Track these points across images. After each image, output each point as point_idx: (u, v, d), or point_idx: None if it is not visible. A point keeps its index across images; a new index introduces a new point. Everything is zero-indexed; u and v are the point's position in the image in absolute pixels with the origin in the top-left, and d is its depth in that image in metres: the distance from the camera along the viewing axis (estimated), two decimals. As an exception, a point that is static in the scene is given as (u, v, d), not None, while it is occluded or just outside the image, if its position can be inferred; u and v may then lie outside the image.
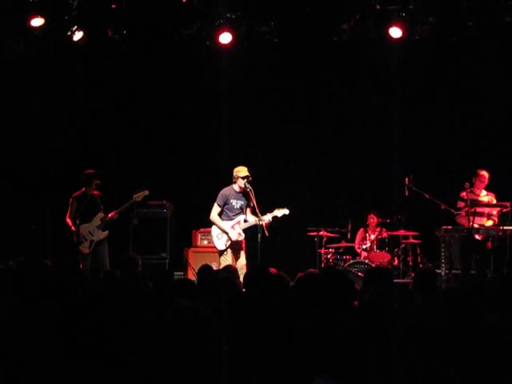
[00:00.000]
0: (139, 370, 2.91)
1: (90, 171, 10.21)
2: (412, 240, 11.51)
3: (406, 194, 10.79)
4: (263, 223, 9.58)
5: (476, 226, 10.05)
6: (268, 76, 12.72)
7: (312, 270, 6.74)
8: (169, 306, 2.93)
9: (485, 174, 10.38)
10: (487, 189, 10.44)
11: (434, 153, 12.21)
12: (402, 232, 11.53)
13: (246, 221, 9.98)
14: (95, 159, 11.80)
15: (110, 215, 10.18)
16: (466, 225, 9.99)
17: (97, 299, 3.82)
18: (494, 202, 10.32)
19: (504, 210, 9.99)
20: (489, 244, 10.15)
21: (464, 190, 10.13)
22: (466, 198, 10.12)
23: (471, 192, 10.25)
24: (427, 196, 10.66)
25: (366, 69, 12.46)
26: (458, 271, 10.32)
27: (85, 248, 10.07)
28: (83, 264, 9.97)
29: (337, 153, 12.68)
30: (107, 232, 10.22)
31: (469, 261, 10.17)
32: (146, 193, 10.39)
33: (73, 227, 10.03)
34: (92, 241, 10.12)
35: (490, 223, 10.24)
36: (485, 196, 10.35)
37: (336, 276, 5.04)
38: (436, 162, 12.16)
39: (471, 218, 9.89)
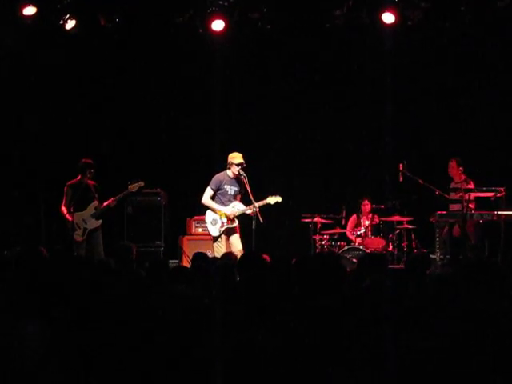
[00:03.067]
0: (134, 357, 2.92)
1: (86, 160, 10.20)
2: (406, 226, 11.52)
3: (400, 179, 10.81)
4: (257, 210, 9.60)
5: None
6: (260, 63, 12.71)
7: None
8: (164, 293, 2.93)
9: (451, 163, 10.56)
10: (468, 176, 10.54)
11: (428, 138, 12.21)
12: (396, 218, 11.54)
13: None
14: (89, 148, 11.76)
15: (104, 204, 10.18)
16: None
17: (91, 287, 3.83)
18: (470, 186, 10.40)
19: (498, 195, 10.01)
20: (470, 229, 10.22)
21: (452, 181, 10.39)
22: (452, 187, 10.37)
23: (452, 182, 10.51)
24: (421, 182, 10.68)
25: (359, 55, 12.44)
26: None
27: (78, 236, 10.07)
28: (77, 252, 9.97)
29: (330, 139, 12.68)
30: (101, 221, 10.21)
31: (457, 246, 10.23)
32: (141, 184, 10.36)
33: (68, 215, 10.04)
34: (85, 229, 10.12)
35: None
36: (463, 182, 10.44)
37: (327, 260, 5.04)
38: (429, 147, 12.16)
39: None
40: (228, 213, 9.90)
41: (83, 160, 10.21)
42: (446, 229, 10.46)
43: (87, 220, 10.14)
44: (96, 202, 10.18)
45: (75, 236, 10.05)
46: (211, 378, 2.73)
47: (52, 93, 12.30)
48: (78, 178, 10.20)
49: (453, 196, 10.44)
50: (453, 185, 10.63)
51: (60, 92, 12.40)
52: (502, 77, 11.81)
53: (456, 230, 10.32)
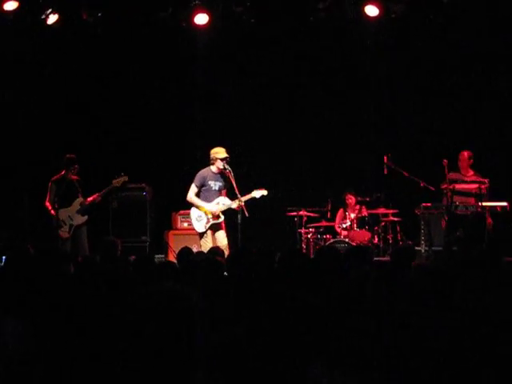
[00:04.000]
0: (120, 354, 2.91)
1: (70, 155, 10.18)
2: (392, 218, 11.54)
3: (385, 172, 10.82)
4: (242, 204, 9.59)
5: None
6: (244, 56, 12.68)
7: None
8: (151, 289, 2.91)
9: (464, 153, 10.46)
10: (476, 170, 10.48)
11: (412, 130, 12.23)
12: (381, 210, 11.56)
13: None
14: (72, 143, 11.72)
15: (88, 200, 10.15)
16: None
17: (75, 284, 3.82)
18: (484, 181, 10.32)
19: (482, 187, 10.04)
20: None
21: (452, 171, 10.24)
22: (454, 178, 10.23)
23: (458, 173, 10.41)
24: (406, 174, 10.70)
25: (343, 48, 12.45)
26: (438, 248, 10.37)
27: (64, 232, 10.05)
28: (62, 248, 9.92)
29: (315, 132, 12.67)
30: (87, 217, 10.20)
31: (451, 237, 10.23)
32: (126, 178, 10.38)
33: (52, 211, 10.01)
34: (71, 225, 10.10)
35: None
36: (472, 176, 10.38)
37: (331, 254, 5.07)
38: (414, 139, 12.18)
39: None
40: (213, 210, 9.88)
41: (67, 155, 10.19)
42: (443, 220, 10.38)
43: (73, 216, 10.12)
44: (81, 198, 10.16)
45: (61, 232, 10.03)
46: (198, 374, 2.72)
47: (35, 88, 12.24)
48: (62, 173, 10.17)
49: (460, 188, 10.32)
50: (459, 176, 10.39)
51: (43, 87, 12.34)
52: (487, 67, 11.82)
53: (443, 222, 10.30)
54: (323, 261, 5.32)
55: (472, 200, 10.21)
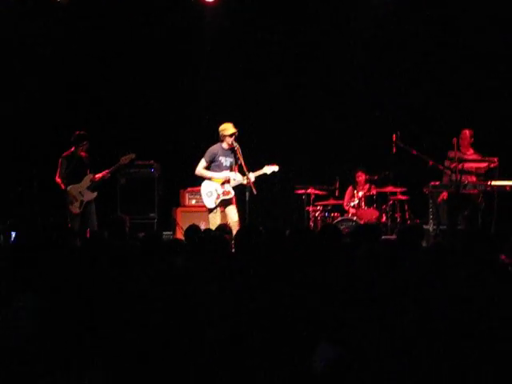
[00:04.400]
0: (129, 330, 2.91)
1: (81, 132, 10.23)
2: (400, 196, 11.53)
3: (394, 150, 10.78)
4: (251, 181, 9.57)
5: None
6: (252, 32, 12.62)
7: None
8: (160, 266, 2.92)
9: (466, 132, 10.42)
10: (475, 149, 10.43)
11: (422, 109, 12.17)
12: (389, 189, 11.54)
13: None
14: (79, 120, 11.72)
15: (97, 176, 10.19)
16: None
17: (84, 259, 3.83)
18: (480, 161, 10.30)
19: (492, 166, 10.00)
20: (480, 199, 10.16)
21: (452, 149, 10.15)
22: (453, 156, 10.16)
23: (459, 151, 10.33)
24: (414, 152, 10.65)
25: (353, 21, 12.38)
26: (443, 227, 10.35)
27: (75, 208, 10.13)
28: (72, 224, 10.00)
29: (324, 109, 12.62)
30: (96, 193, 10.26)
31: (456, 217, 10.21)
32: (133, 156, 10.43)
33: (63, 186, 10.08)
34: (82, 201, 10.17)
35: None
36: (472, 155, 10.34)
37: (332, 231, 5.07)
38: (423, 117, 12.13)
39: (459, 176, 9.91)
40: (222, 177, 9.84)
41: (78, 132, 10.23)
42: (440, 197, 10.40)
43: (83, 192, 10.18)
44: (91, 175, 10.21)
45: (72, 208, 10.11)
46: (208, 349, 2.73)
47: (43, 64, 12.22)
48: (72, 149, 10.21)
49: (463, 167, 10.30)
50: (460, 155, 10.38)
51: (50, 64, 12.31)
52: (492, 41, 11.73)
53: (448, 198, 10.25)
54: (326, 238, 5.31)
55: (474, 178, 10.18)
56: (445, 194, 10.30)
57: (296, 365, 2.97)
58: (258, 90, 12.62)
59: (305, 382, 2.86)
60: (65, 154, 10.24)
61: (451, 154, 10.28)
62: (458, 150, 10.23)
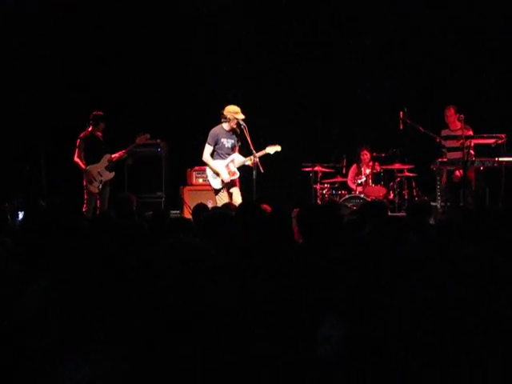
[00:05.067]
0: (138, 308, 2.92)
1: (98, 113, 10.29)
2: (407, 173, 11.51)
3: (401, 127, 10.76)
4: (257, 160, 9.59)
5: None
6: (258, 12, 12.57)
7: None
8: (168, 243, 2.92)
9: (451, 109, 10.43)
10: (464, 122, 10.35)
11: (428, 85, 12.11)
12: (397, 166, 11.53)
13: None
14: (86, 100, 11.72)
15: (115, 156, 10.29)
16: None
17: (90, 239, 3.83)
18: (471, 133, 10.25)
19: (499, 142, 9.96)
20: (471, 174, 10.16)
21: (442, 128, 10.30)
22: (446, 135, 10.29)
23: (447, 129, 10.41)
24: (421, 129, 10.62)
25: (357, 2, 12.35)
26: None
27: (94, 188, 10.25)
28: (88, 203, 10.13)
29: (330, 87, 12.58)
30: (114, 173, 10.36)
31: (457, 193, 10.22)
32: (148, 136, 10.55)
33: (82, 165, 10.18)
34: (101, 181, 10.26)
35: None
36: (459, 130, 10.26)
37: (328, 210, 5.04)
38: (430, 94, 12.07)
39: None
40: (226, 178, 9.87)
41: (95, 112, 10.30)
42: (444, 175, 10.42)
43: (102, 172, 10.30)
44: (108, 155, 10.30)
45: (92, 188, 10.20)
46: (214, 326, 2.74)
47: (56, 45, 12.20)
48: (89, 129, 10.27)
49: (450, 144, 10.35)
50: (447, 132, 10.49)
51: (63, 45, 12.31)
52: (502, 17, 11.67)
53: (456, 175, 10.26)
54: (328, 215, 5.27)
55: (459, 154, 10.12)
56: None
57: (302, 347, 2.98)
58: (265, 68, 12.58)
59: (312, 364, 2.87)
60: (82, 134, 10.33)
61: (444, 132, 10.37)
62: (446, 127, 10.34)
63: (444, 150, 10.42)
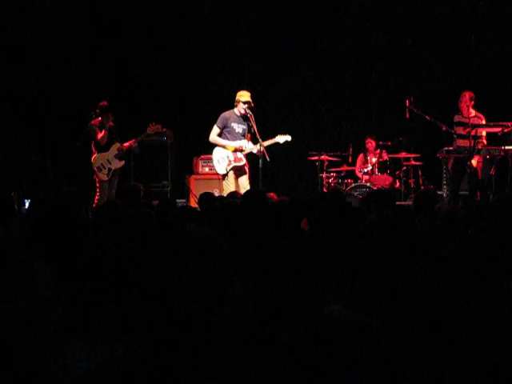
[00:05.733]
0: (145, 302, 2.93)
1: (104, 103, 10.29)
2: (413, 162, 11.49)
3: (407, 115, 10.73)
4: (263, 148, 9.57)
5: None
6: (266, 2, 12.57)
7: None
8: (176, 232, 2.91)
9: (466, 94, 10.32)
10: (477, 110, 10.33)
11: (434, 74, 12.07)
12: (403, 154, 11.51)
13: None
14: (94, 89, 11.73)
15: (125, 145, 10.31)
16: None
17: (96, 229, 3.84)
18: (483, 122, 10.22)
19: (505, 130, 9.93)
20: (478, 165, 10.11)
21: (456, 113, 10.21)
22: (458, 121, 10.22)
23: (460, 115, 10.33)
24: (428, 118, 10.60)
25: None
26: (463, 192, 10.31)
27: (104, 175, 10.25)
28: (101, 192, 10.17)
29: (336, 76, 12.56)
30: (123, 162, 10.38)
31: (459, 181, 10.21)
32: (159, 127, 10.50)
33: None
34: (110, 169, 10.28)
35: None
36: (474, 117, 10.23)
37: (336, 198, 5.05)
38: (436, 83, 12.03)
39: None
40: (237, 145, 9.85)
41: (101, 103, 10.29)
42: (450, 162, 10.37)
43: (111, 160, 10.30)
44: (118, 143, 10.30)
45: (101, 175, 10.21)
46: (225, 318, 2.75)
47: (60, 36, 12.20)
48: (99, 119, 10.27)
49: (460, 130, 10.33)
50: (460, 118, 10.44)
51: (64, 32, 12.28)
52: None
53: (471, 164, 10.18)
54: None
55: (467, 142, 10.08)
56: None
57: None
58: (273, 57, 12.57)
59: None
60: (93, 122, 10.30)
61: (456, 118, 10.31)
62: (460, 112, 10.26)
63: (455, 136, 10.37)
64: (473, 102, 10.31)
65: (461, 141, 10.25)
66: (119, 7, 12.43)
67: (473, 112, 10.27)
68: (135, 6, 12.44)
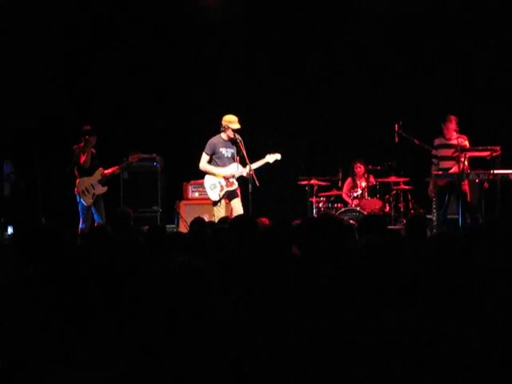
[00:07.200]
0: (134, 329, 2.91)
1: (87, 127, 10.30)
2: (403, 186, 11.52)
3: (396, 140, 10.77)
4: (252, 172, 9.57)
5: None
6: (257, 23, 12.62)
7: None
8: (166, 261, 2.90)
9: (452, 118, 10.28)
10: (459, 132, 10.31)
11: (423, 98, 12.12)
12: (392, 178, 11.53)
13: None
14: (83, 113, 11.74)
15: (107, 171, 10.36)
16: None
17: (85, 255, 3.82)
18: (466, 143, 10.23)
19: (494, 154, 9.96)
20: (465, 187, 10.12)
21: (437, 136, 10.25)
22: (438, 144, 10.26)
23: (442, 137, 10.33)
24: (417, 142, 10.64)
25: (354, 13, 12.39)
26: (451, 216, 10.32)
27: (88, 199, 10.22)
28: (84, 215, 10.17)
29: (326, 100, 12.60)
30: (106, 187, 10.40)
31: (447, 205, 10.23)
32: (141, 155, 10.67)
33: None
34: (94, 194, 10.29)
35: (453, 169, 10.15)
36: (455, 140, 10.22)
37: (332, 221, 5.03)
38: (424, 107, 12.08)
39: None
40: (228, 173, 9.85)
41: (84, 127, 10.32)
42: (431, 185, 10.38)
43: (95, 185, 10.34)
44: (101, 169, 10.32)
45: (85, 199, 10.21)
46: (210, 343, 2.73)
47: (43, 59, 12.21)
48: (81, 144, 10.27)
49: (444, 152, 10.31)
50: (441, 140, 10.39)
51: (51, 58, 12.31)
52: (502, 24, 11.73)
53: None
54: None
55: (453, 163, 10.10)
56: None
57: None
58: (261, 81, 12.61)
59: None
60: (75, 146, 10.31)
61: (437, 141, 10.33)
62: (441, 135, 10.28)
63: (435, 161, 10.39)
64: (456, 127, 10.31)
65: (445, 162, 10.24)
66: (104, 35, 12.49)
67: (455, 135, 10.27)
68: (122, 34, 12.50)
